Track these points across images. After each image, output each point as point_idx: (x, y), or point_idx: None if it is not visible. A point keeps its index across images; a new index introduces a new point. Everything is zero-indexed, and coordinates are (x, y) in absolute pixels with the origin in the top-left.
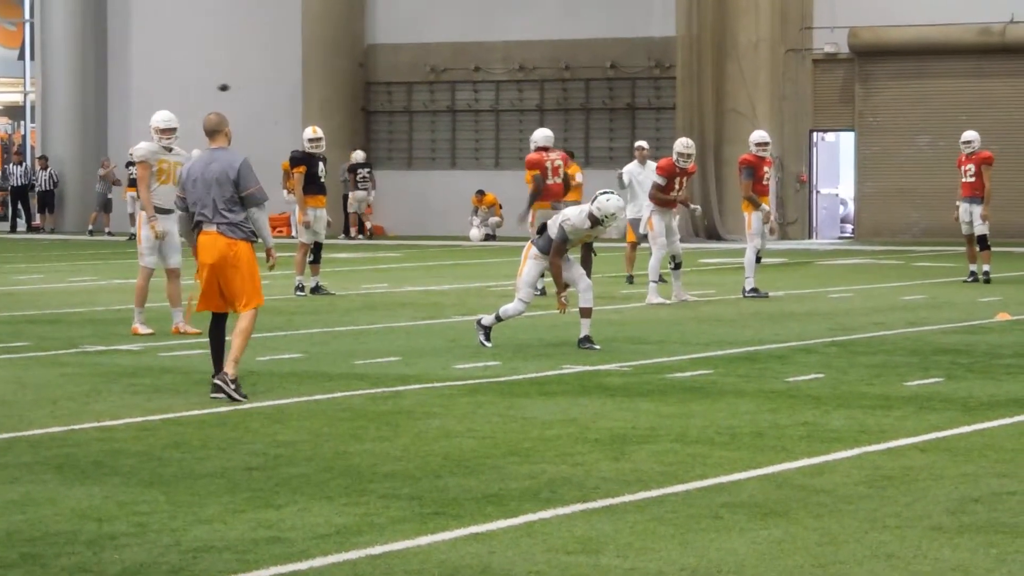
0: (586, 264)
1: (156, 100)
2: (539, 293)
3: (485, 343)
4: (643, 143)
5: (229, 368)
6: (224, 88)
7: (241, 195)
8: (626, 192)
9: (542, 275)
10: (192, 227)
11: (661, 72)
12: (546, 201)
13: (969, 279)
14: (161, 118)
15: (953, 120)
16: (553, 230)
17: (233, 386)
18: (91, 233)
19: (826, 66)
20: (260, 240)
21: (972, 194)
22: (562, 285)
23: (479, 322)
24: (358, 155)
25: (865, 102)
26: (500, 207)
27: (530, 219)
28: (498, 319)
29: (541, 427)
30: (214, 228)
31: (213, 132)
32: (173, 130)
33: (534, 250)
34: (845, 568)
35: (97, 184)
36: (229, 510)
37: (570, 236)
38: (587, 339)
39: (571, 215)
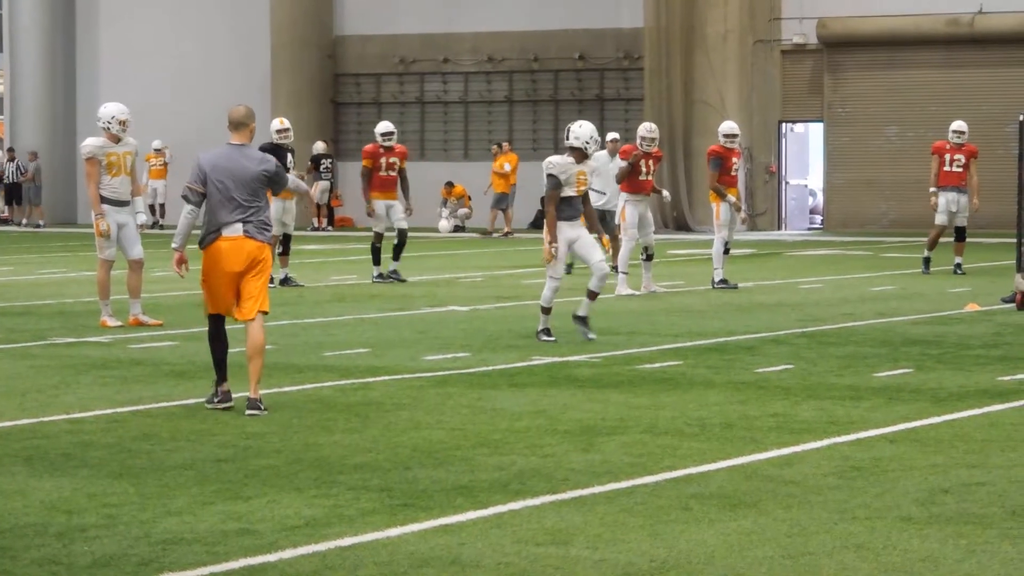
0: (591, 218)
1: (125, 91)
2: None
3: (549, 339)
4: (615, 135)
5: (255, 392)
6: None
7: (277, 186)
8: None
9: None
10: (208, 234)
11: (630, 63)
12: (380, 192)
13: (924, 268)
14: (120, 110)
15: (922, 111)
16: (545, 184)
17: (263, 407)
18: (38, 226)
19: (795, 57)
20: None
21: (959, 184)
22: (554, 234)
23: (537, 332)
24: (319, 146)
25: (834, 93)
26: (469, 198)
27: (368, 208)
28: (545, 308)
29: (510, 418)
30: (240, 230)
31: (240, 125)
32: (127, 122)
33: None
34: (814, 559)
35: (30, 176)
36: (198, 502)
37: (560, 177)
38: (584, 320)
39: (553, 158)
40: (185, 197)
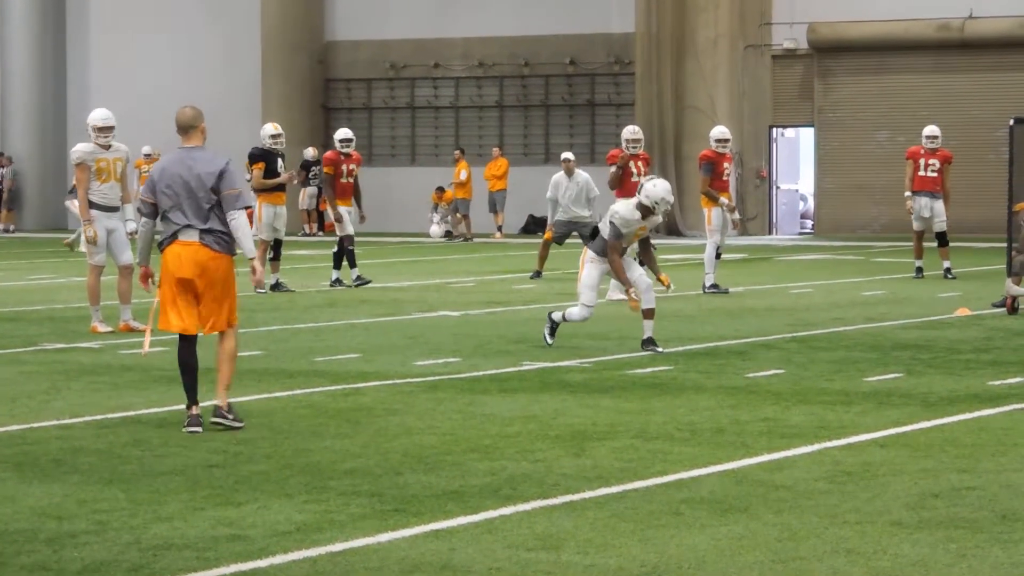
0: (649, 260)
1: (116, 96)
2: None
3: (548, 340)
4: (569, 155)
5: (222, 399)
6: None
7: (223, 194)
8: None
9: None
10: (165, 239)
11: (620, 68)
12: (340, 199)
13: (916, 275)
14: (99, 116)
15: (912, 116)
16: (605, 230)
17: (231, 416)
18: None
19: (785, 62)
20: (240, 252)
21: (934, 189)
22: (627, 281)
23: (549, 315)
24: (309, 152)
25: (824, 98)
26: None
27: (334, 216)
28: (563, 319)
29: (501, 424)
30: (195, 238)
31: (188, 128)
32: (111, 128)
33: (590, 254)
34: (805, 564)
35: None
36: (189, 508)
37: (623, 230)
38: (650, 340)
39: (619, 209)
40: (138, 210)
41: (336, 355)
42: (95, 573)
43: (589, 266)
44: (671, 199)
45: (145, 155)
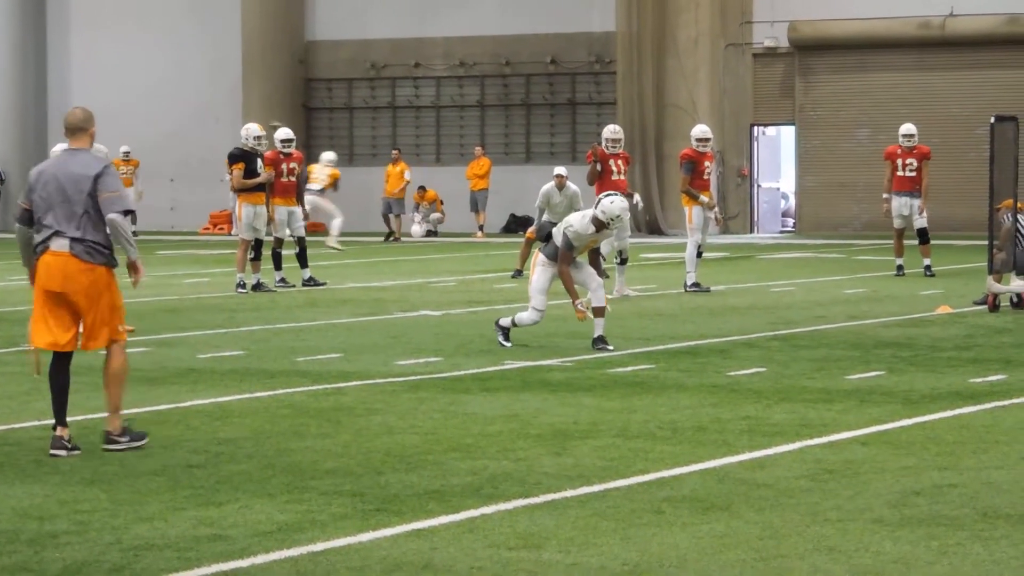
0: (595, 268)
1: (96, 99)
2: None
3: (504, 343)
4: (561, 169)
5: (112, 423)
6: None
7: (101, 197)
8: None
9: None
10: (34, 246)
11: (601, 67)
12: (281, 198)
13: (898, 273)
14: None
15: (893, 114)
16: (558, 238)
17: (125, 439)
18: None
19: (766, 60)
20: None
21: (912, 188)
22: (575, 293)
23: (497, 323)
24: None
25: (805, 96)
26: (441, 203)
27: (269, 215)
28: (514, 324)
29: (483, 423)
30: (66, 247)
31: (76, 130)
32: None
33: (541, 257)
34: (787, 562)
35: None
36: (170, 508)
37: (575, 243)
38: (601, 339)
39: (573, 221)
40: (15, 215)
41: (317, 355)
42: (76, 574)
43: (540, 269)
44: (627, 216)
45: (124, 154)
